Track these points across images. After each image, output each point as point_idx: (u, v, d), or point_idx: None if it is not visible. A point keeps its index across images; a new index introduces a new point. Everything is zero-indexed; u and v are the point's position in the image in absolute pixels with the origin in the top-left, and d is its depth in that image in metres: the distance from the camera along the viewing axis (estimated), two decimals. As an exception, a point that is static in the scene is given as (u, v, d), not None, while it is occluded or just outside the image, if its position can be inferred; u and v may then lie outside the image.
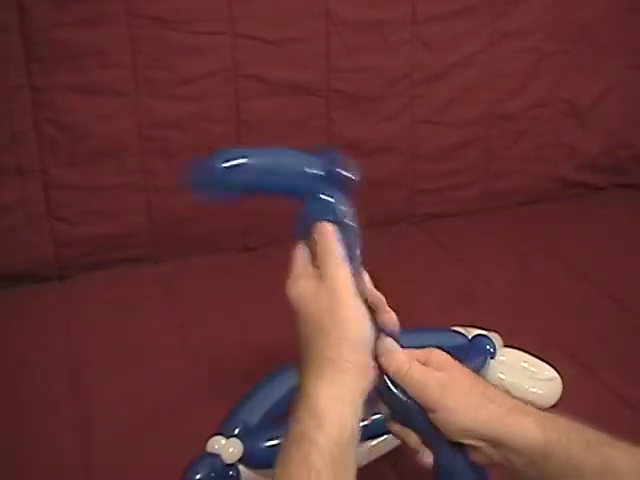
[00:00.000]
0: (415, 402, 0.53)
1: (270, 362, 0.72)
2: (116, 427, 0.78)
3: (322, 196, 0.55)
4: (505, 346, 0.83)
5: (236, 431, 0.65)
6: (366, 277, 0.57)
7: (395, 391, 0.54)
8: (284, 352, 0.74)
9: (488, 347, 0.78)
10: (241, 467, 0.63)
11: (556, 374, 0.81)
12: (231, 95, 1.08)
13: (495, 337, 0.82)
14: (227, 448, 0.63)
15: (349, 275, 0.53)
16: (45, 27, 0.96)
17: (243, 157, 0.53)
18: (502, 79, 1.24)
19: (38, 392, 0.83)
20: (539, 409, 0.55)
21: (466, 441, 0.53)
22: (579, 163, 1.34)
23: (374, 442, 0.67)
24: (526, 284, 1.05)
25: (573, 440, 0.51)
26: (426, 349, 0.57)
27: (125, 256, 1.09)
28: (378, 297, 0.57)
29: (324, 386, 0.50)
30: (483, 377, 0.78)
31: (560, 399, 0.80)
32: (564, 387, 0.80)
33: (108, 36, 1.00)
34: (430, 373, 0.54)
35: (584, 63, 1.28)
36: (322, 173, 0.56)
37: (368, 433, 0.66)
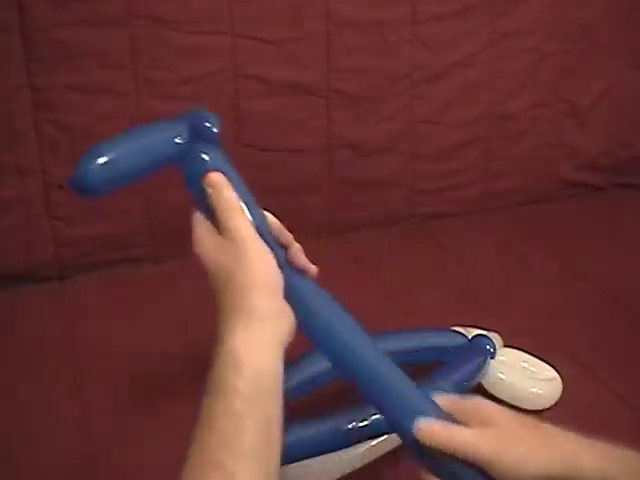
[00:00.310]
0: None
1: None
2: (116, 427, 0.78)
3: (198, 155, 0.55)
4: (505, 346, 0.83)
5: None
6: (268, 216, 0.57)
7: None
8: (284, 352, 0.74)
9: (488, 347, 0.78)
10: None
11: (556, 374, 0.81)
12: (231, 95, 1.08)
13: (495, 337, 0.82)
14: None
15: (248, 220, 0.53)
16: (45, 27, 0.96)
17: (105, 154, 0.53)
18: (502, 79, 1.24)
19: (38, 392, 0.83)
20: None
21: None
22: (579, 163, 1.35)
23: (374, 442, 0.67)
24: (526, 284, 1.05)
25: (632, 472, 0.50)
26: (465, 401, 0.55)
27: (125, 256, 1.09)
28: (283, 233, 0.57)
29: (239, 334, 0.49)
30: (483, 377, 0.78)
31: (560, 399, 0.80)
32: (564, 387, 0.80)
33: (108, 36, 1.00)
34: (481, 437, 0.51)
35: (584, 63, 1.28)
36: (187, 136, 0.56)
37: (368, 433, 0.66)
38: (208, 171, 0.54)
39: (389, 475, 0.71)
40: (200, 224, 0.55)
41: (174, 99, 1.05)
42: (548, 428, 0.53)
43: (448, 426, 0.52)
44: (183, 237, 1.26)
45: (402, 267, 1.05)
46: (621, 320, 0.97)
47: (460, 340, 0.80)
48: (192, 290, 1.05)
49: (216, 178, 0.54)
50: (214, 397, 0.47)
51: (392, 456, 0.70)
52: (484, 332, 0.81)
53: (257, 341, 0.49)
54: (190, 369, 0.87)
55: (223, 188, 0.53)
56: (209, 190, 0.53)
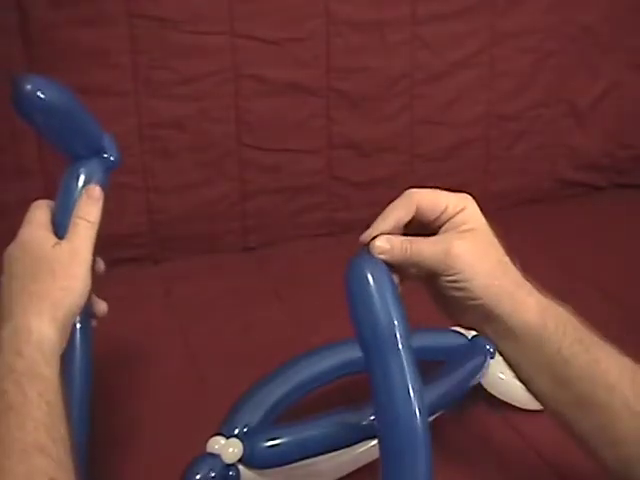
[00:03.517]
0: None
1: (270, 362, 0.72)
2: (116, 427, 0.78)
3: (99, 158, 0.62)
4: (505, 346, 0.83)
5: (236, 431, 0.65)
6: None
7: None
8: (284, 352, 0.74)
9: (488, 347, 0.78)
10: (241, 467, 0.63)
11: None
12: (231, 95, 1.08)
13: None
14: (227, 448, 0.63)
15: (90, 241, 0.56)
16: (45, 27, 0.96)
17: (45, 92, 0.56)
18: (502, 79, 1.24)
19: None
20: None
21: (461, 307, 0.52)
22: (579, 163, 1.35)
23: (374, 442, 0.67)
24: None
25: (568, 333, 0.51)
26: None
27: (125, 256, 1.09)
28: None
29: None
30: (483, 377, 0.78)
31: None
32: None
33: (108, 36, 1.00)
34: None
35: (584, 63, 1.28)
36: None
37: (367, 434, 0.66)
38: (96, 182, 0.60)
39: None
40: (46, 206, 0.61)
41: (174, 99, 1.05)
42: (509, 262, 0.53)
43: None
44: (183, 237, 1.26)
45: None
46: (621, 320, 0.96)
47: (460, 340, 0.80)
48: (192, 290, 1.06)
49: (96, 194, 0.59)
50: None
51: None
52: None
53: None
54: (190, 369, 0.87)
55: (95, 206, 0.58)
56: (83, 193, 0.59)
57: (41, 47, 0.97)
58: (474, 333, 0.80)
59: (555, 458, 0.71)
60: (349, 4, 1.10)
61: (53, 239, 0.56)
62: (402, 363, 0.50)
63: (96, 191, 0.59)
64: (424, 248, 0.51)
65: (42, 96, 0.56)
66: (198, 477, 0.61)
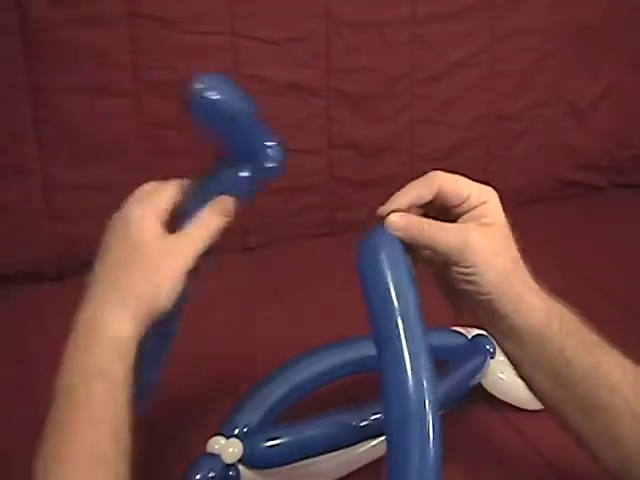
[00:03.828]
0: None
1: (270, 362, 0.72)
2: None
3: (259, 166, 0.56)
4: (505, 346, 0.83)
5: (236, 431, 0.65)
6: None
7: None
8: (285, 352, 0.74)
9: (488, 347, 0.78)
10: (241, 467, 0.63)
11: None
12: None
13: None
14: (227, 448, 0.63)
15: (200, 249, 0.53)
16: (45, 27, 0.96)
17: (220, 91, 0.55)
18: (502, 79, 1.24)
19: (38, 392, 0.83)
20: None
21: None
22: (579, 163, 1.35)
23: (374, 442, 0.67)
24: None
25: (571, 334, 0.51)
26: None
27: (125, 256, 1.09)
28: None
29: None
30: (483, 377, 0.78)
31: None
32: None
33: (108, 36, 1.00)
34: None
35: (584, 63, 1.28)
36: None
37: (367, 434, 0.66)
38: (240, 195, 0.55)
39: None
40: (171, 194, 0.55)
41: (174, 99, 1.05)
42: (521, 262, 0.53)
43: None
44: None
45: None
46: (621, 320, 0.96)
47: (460, 340, 0.80)
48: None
49: (230, 207, 0.55)
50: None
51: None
52: (484, 332, 0.81)
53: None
54: (190, 369, 0.87)
55: (223, 217, 0.54)
56: (216, 205, 0.54)
57: (41, 47, 0.97)
58: (474, 333, 0.80)
59: (555, 458, 0.71)
60: (349, 4, 1.10)
61: (160, 230, 0.52)
62: (414, 349, 0.49)
63: (229, 204, 0.55)
64: (442, 233, 0.50)
65: (213, 96, 0.55)
66: (198, 477, 0.61)
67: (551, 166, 1.33)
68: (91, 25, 0.98)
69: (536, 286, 0.53)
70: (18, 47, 0.96)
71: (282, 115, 1.12)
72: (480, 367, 0.77)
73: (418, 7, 1.14)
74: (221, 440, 0.64)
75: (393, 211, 0.51)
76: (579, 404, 0.50)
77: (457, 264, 0.50)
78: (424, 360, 0.49)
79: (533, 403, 0.77)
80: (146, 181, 0.96)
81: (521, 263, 0.53)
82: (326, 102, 1.13)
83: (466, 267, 0.50)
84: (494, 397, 0.78)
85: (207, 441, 0.64)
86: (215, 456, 0.62)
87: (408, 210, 0.52)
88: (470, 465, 0.72)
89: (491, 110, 1.24)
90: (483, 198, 0.52)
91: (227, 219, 0.54)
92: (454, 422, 0.75)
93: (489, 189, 0.53)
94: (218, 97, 0.55)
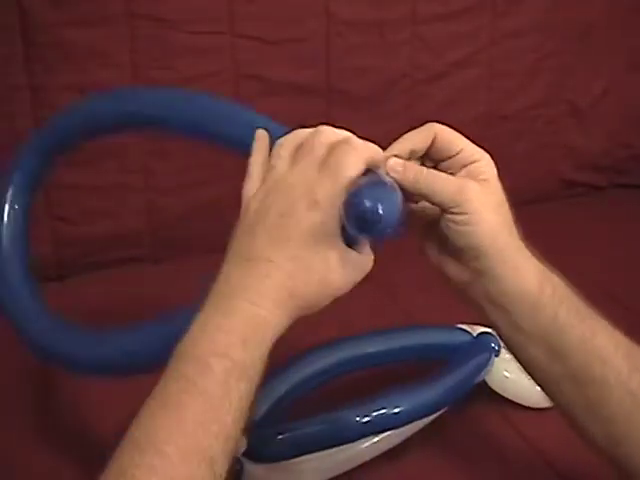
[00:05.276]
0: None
1: (270, 360, 0.72)
2: (116, 427, 0.77)
3: None
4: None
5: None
6: None
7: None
8: (284, 350, 0.74)
9: (493, 345, 0.78)
10: (245, 461, 0.63)
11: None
12: (231, 95, 1.08)
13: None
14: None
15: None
16: (45, 27, 0.96)
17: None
18: (502, 79, 1.24)
19: (38, 392, 0.83)
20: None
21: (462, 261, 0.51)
22: (579, 163, 1.35)
23: (376, 438, 0.67)
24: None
25: (564, 301, 0.50)
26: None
27: (125, 256, 1.09)
28: None
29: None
30: (488, 375, 0.78)
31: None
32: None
33: (108, 36, 1.00)
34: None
35: (584, 63, 1.28)
36: None
37: (370, 430, 0.66)
38: None
39: (389, 474, 0.71)
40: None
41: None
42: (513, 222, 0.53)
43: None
44: (183, 237, 1.26)
45: (406, 265, 1.05)
46: (621, 320, 0.96)
47: (465, 337, 0.80)
48: (192, 290, 1.05)
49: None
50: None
51: (393, 453, 0.70)
52: (489, 330, 0.82)
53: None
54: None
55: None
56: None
57: (41, 47, 0.97)
58: (479, 330, 0.81)
59: (556, 457, 0.71)
60: (349, 4, 1.10)
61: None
62: None
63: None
64: (438, 180, 0.50)
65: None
66: None
67: (551, 166, 1.33)
68: (91, 25, 0.98)
69: (528, 252, 0.52)
70: (18, 47, 0.96)
71: (282, 115, 1.11)
72: (485, 365, 0.77)
73: (418, 7, 1.14)
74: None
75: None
76: (571, 377, 0.49)
77: (452, 211, 0.49)
78: None
79: (537, 401, 0.78)
80: (146, 181, 0.95)
81: (515, 230, 0.52)
82: (326, 102, 1.13)
83: (459, 214, 0.49)
84: (495, 396, 0.78)
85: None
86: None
87: (408, 159, 0.52)
88: (471, 463, 0.72)
89: (491, 110, 1.24)
90: (476, 155, 0.52)
91: None
92: (455, 421, 0.75)
93: (483, 152, 0.53)
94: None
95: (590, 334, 0.50)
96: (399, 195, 0.48)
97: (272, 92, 1.10)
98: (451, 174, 0.51)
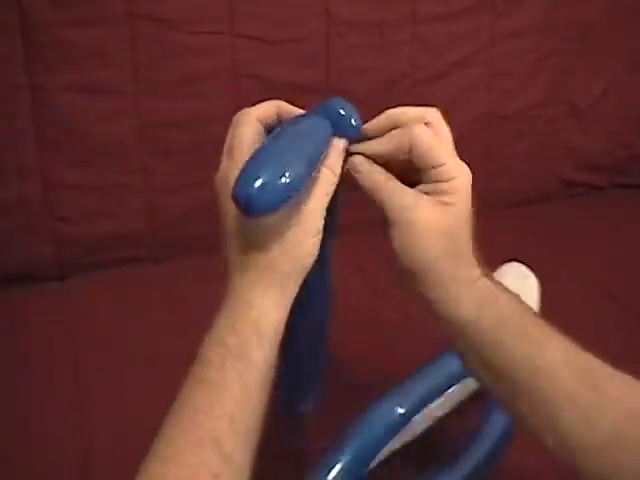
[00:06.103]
0: None
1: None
2: (116, 427, 0.78)
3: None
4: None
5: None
6: None
7: None
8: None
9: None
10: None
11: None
12: (231, 95, 1.08)
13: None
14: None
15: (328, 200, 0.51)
16: (45, 27, 0.96)
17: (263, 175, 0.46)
18: (502, 79, 1.24)
19: (38, 392, 0.83)
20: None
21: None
22: (579, 163, 1.35)
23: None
24: (526, 284, 1.05)
25: (509, 331, 0.48)
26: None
27: (125, 256, 1.09)
28: None
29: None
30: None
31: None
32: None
33: (108, 36, 1.00)
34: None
35: (584, 63, 1.28)
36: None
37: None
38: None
39: (397, 471, 0.71)
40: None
41: (174, 99, 1.05)
42: (472, 254, 0.51)
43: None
44: (183, 237, 1.26)
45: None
46: (621, 320, 0.97)
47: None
48: (192, 290, 1.06)
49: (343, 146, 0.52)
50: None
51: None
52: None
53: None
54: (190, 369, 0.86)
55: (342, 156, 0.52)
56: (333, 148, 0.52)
57: (41, 47, 0.97)
58: None
59: (556, 458, 0.71)
60: (349, 4, 1.10)
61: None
62: None
63: (342, 144, 0.51)
64: (392, 198, 0.49)
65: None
66: None
67: (551, 166, 1.33)
68: (91, 25, 0.98)
69: (474, 277, 0.50)
70: (18, 47, 0.96)
71: (282, 115, 1.12)
72: None
73: (418, 7, 1.14)
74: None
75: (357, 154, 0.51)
76: (514, 394, 0.48)
77: (398, 229, 0.49)
78: None
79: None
80: (146, 181, 0.96)
81: (465, 255, 0.50)
82: (326, 102, 1.13)
83: (401, 233, 0.49)
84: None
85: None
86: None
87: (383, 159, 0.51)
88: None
89: (491, 110, 1.24)
90: (454, 173, 0.50)
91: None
92: (454, 422, 0.75)
93: (465, 169, 0.51)
94: None
95: (537, 356, 0.48)
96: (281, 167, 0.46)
97: (272, 92, 1.09)
98: (417, 180, 0.50)
